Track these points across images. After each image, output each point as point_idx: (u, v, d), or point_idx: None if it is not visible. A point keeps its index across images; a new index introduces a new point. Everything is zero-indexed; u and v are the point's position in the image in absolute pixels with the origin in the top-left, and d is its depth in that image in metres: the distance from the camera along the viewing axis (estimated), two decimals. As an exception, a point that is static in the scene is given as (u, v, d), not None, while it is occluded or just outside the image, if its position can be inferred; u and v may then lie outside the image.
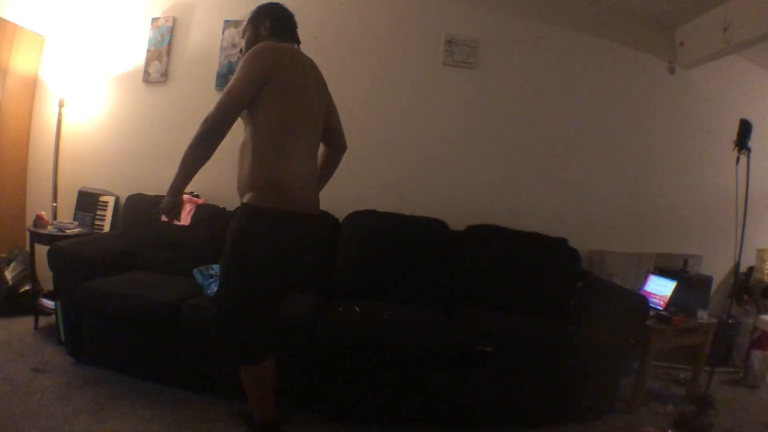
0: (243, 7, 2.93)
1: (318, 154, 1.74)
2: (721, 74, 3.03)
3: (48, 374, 2.11)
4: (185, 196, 2.71)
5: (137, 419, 1.85)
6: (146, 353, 2.16)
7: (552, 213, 2.94)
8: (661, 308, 2.45)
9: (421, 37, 2.91)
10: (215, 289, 2.21)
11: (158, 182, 2.89)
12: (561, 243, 2.70)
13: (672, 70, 3.02)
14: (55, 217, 2.95)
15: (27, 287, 2.79)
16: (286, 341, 1.89)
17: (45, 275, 2.51)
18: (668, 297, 2.47)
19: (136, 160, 3.00)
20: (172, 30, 2.98)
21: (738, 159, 2.25)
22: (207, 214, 2.68)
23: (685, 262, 2.80)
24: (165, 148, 2.99)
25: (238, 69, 1.48)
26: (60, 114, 2.97)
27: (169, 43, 2.97)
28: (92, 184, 3.02)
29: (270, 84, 1.47)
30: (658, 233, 3.08)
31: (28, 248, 2.77)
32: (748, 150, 2.23)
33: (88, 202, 2.96)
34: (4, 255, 2.87)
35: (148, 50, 2.99)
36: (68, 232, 2.63)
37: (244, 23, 1.69)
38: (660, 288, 2.55)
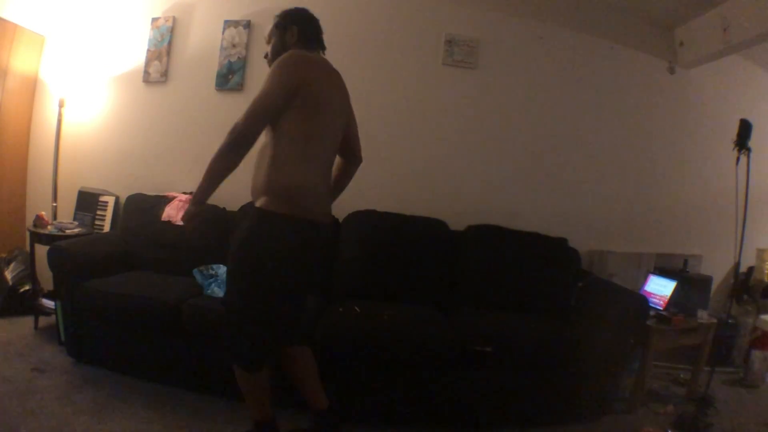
0: (243, 7, 2.94)
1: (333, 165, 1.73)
2: (721, 74, 3.03)
3: (48, 374, 2.11)
4: (185, 196, 2.73)
5: (137, 419, 1.85)
6: (146, 353, 2.16)
7: (552, 213, 2.94)
8: (661, 308, 2.45)
9: (421, 37, 2.91)
10: (215, 289, 2.23)
11: (158, 182, 2.92)
12: (561, 243, 2.70)
13: (672, 70, 3.02)
14: (55, 217, 2.95)
15: (27, 287, 2.79)
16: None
17: (45, 275, 2.51)
18: (668, 297, 2.47)
19: (136, 160, 3.00)
20: (172, 30, 2.98)
21: (738, 159, 2.25)
22: (207, 214, 2.66)
23: (685, 262, 2.80)
24: (165, 148, 3.00)
25: (267, 78, 1.46)
26: (60, 114, 2.97)
27: (169, 43, 2.97)
28: (92, 184, 3.02)
29: (298, 94, 1.46)
30: (658, 233, 3.08)
31: (28, 248, 2.77)
32: (748, 150, 2.24)
33: (88, 202, 2.96)
34: (4, 255, 2.87)
35: (148, 50, 2.99)
36: (68, 232, 2.63)
37: (270, 28, 1.66)
38: (660, 288, 2.55)
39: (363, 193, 2.81)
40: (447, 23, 2.91)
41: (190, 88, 2.98)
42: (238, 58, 2.92)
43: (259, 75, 2.93)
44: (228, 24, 2.94)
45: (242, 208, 2.67)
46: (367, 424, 1.99)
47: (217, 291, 2.22)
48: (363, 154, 1.84)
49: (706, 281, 2.76)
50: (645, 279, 2.68)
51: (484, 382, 2.05)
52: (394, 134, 2.91)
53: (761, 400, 2.61)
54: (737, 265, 2.45)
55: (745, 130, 2.25)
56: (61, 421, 1.75)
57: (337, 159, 1.76)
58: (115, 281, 2.26)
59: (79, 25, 3.05)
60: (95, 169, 3.04)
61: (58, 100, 2.95)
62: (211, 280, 2.31)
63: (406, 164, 2.93)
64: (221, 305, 1.57)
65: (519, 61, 2.95)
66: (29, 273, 2.77)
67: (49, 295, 2.66)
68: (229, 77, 2.93)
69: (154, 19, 2.99)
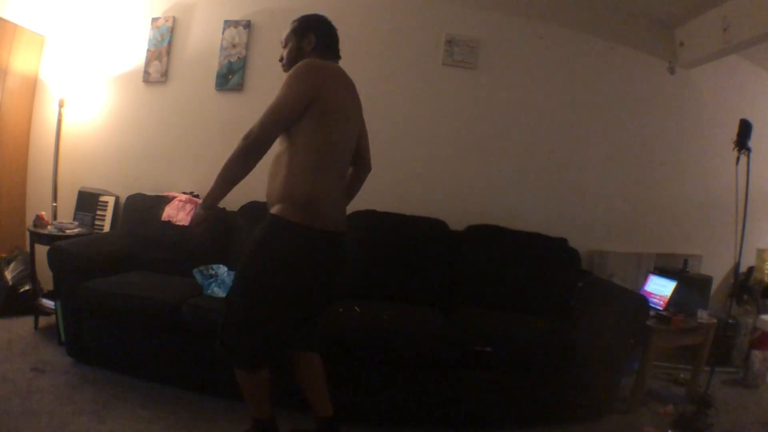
0: (243, 7, 2.94)
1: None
2: (721, 74, 3.03)
3: (48, 374, 2.11)
4: (185, 196, 2.73)
5: (137, 419, 1.85)
6: (146, 353, 2.16)
7: (552, 213, 2.94)
8: (661, 308, 2.44)
9: (421, 37, 2.92)
10: (215, 289, 2.23)
11: (158, 182, 2.92)
12: (561, 243, 2.70)
13: (672, 70, 3.02)
14: (55, 217, 2.94)
15: (27, 287, 2.79)
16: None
17: (45, 275, 2.51)
18: (668, 297, 2.47)
19: (136, 160, 3.01)
20: (172, 30, 2.98)
21: (738, 159, 2.25)
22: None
23: (685, 262, 2.80)
24: (165, 148, 3.00)
25: (284, 85, 1.46)
26: (60, 114, 2.97)
27: (169, 43, 2.97)
28: (92, 184, 3.02)
29: (316, 103, 1.46)
30: (658, 233, 3.08)
31: (28, 248, 2.77)
32: (748, 150, 2.24)
33: (88, 202, 2.97)
34: (4, 255, 2.87)
35: (148, 50, 2.99)
36: (68, 232, 2.63)
37: (287, 33, 1.66)
38: (660, 288, 2.55)
39: (363, 193, 2.79)
40: (447, 23, 2.91)
41: (190, 88, 2.98)
42: (238, 58, 2.92)
43: (259, 75, 2.94)
44: (228, 24, 2.94)
45: (242, 208, 2.68)
46: (367, 424, 1.99)
47: (217, 291, 2.22)
48: None
49: (706, 281, 2.76)
50: (645, 279, 2.68)
51: (484, 382, 2.05)
52: (394, 134, 2.91)
53: (761, 400, 2.61)
54: (737, 265, 2.45)
55: (745, 130, 2.25)
56: (61, 421, 1.75)
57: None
58: (115, 281, 2.26)
59: (79, 25, 3.05)
60: (95, 169, 3.04)
61: (58, 100, 2.95)
62: (211, 280, 2.31)
63: (406, 164, 2.93)
64: (224, 301, 1.57)
65: (519, 61, 2.95)
66: (29, 273, 2.77)
67: (49, 295, 2.66)
68: (229, 77, 2.93)
69: (154, 19, 2.99)
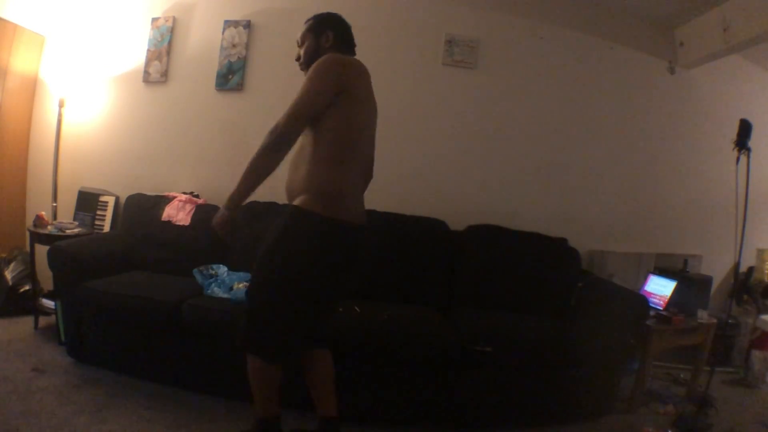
0: (243, 7, 2.94)
1: None
2: (721, 74, 3.03)
3: (48, 374, 2.10)
4: (185, 196, 2.73)
5: (137, 419, 1.84)
6: (146, 353, 2.16)
7: (552, 213, 2.94)
8: (661, 308, 2.45)
9: (421, 37, 2.92)
10: (215, 289, 2.23)
11: (158, 182, 2.92)
12: (561, 243, 2.71)
13: (672, 70, 3.02)
14: (55, 217, 2.95)
15: (27, 287, 2.79)
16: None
17: (45, 275, 2.51)
18: (668, 297, 2.47)
19: (136, 160, 3.01)
20: (172, 30, 2.98)
21: (738, 159, 2.25)
22: (207, 214, 2.68)
23: (685, 262, 2.79)
24: (165, 148, 3.00)
25: (308, 79, 1.45)
26: (60, 114, 2.97)
27: (169, 43, 2.97)
28: (92, 184, 3.02)
29: (340, 96, 1.46)
30: (658, 233, 3.08)
31: (28, 248, 2.77)
32: (748, 150, 2.23)
33: (88, 202, 2.97)
34: (4, 255, 2.87)
35: (148, 50, 2.99)
36: (68, 232, 2.63)
37: (303, 31, 1.65)
38: (660, 288, 2.55)
39: (363, 193, 2.81)
40: (447, 23, 2.91)
41: (190, 88, 2.98)
42: (238, 58, 2.92)
43: (259, 75, 2.94)
44: (228, 24, 2.94)
45: (242, 208, 2.67)
46: (367, 424, 1.99)
47: (217, 291, 2.22)
48: None
49: (706, 281, 2.76)
50: (645, 279, 2.68)
51: (484, 382, 2.05)
52: (394, 134, 2.90)
53: (761, 400, 2.61)
54: (737, 265, 2.45)
55: (745, 130, 2.25)
56: (61, 421, 1.75)
57: None
58: (115, 281, 2.26)
59: (79, 25, 3.05)
60: (95, 169, 3.04)
61: (58, 100, 2.95)
62: (211, 280, 2.31)
63: (406, 164, 2.93)
64: (245, 296, 1.55)
65: (519, 61, 2.95)
66: (29, 273, 2.77)
67: (49, 295, 2.67)
68: (229, 77, 2.93)
69: (154, 19, 2.99)
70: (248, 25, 2.92)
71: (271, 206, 2.60)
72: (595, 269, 2.87)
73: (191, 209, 2.68)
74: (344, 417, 1.78)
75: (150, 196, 2.77)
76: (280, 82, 2.92)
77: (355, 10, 2.90)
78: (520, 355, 2.06)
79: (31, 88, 3.07)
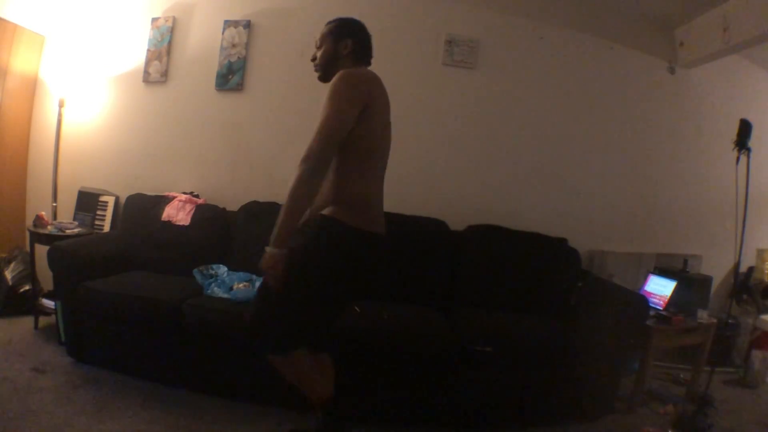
0: (243, 7, 2.94)
1: None
2: (721, 74, 3.03)
3: (48, 374, 2.10)
4: (185, 196, 2.73)
5: (137, 419, 1.85)
6: (146, 353, 2.16)
7: (552, 213, 2.94)
8: (661, 308, 2.44)
9: (421, 37, 2.91)
10: (215, 289, 2.23)
11: (158, 182, 2.92)
12: (561, 243, 2.70)
13: (672, 70, 3.02)
14: (55, 217, 2.94)
15: (27, 287, 2.78)
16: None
17: (45, 275, 2.51)
18: (668, 297, 2.47)
19: (136, 160, 3.00)
20: (172, 30, 2.98)
21: (738, 159, 2.25)
22: (207, 214, 2.69)
23: (685, 262, 2.79)
24: (165, 148, 3.00)
25: (332, 99, 1.43)
26: (60, 114, 2.97)
27: (169, 43, 2.97)
28: (92, 184, 3.02)
29: (364, 112, 1.46)
30: (658, 233, 3.08)
31: (28, 248, 2.77)
32: (748, 150, 2.23)
33: (88, 202, 2.97)
34: (4, 255, 2.87)
35: (148, 50, 2.99)
36: (68, 232, 2.63)
37: (323, 33, 1.65)
38: (660, 288, 2.55)
39: (363, 193, 2.81)
40: (447, 23, 2.90)
41: (190, 88, 2.98)
42: (238, 58, 2.92)
43: (259, 75, 2.94)
44: (228, 24, 2.94)
45: (242, 208, 2.68)
46: (366, 424, 1.99)
47: (217, 291, 2.22)
48: None
49: (706, 281, 2.76)
50: (645, 279, 2.68)
51: (484, 382, 2.05)
52: (394, 134, 2.86)
53: (761, 400, 2.61)
54: (737, 265, 2.45)
55: (745, 130, 2.25)
56: (61, 421, 1.75)
57: None
58: (115, 281, 2.26)
59: (79, 25, 3.05)
60: (95, 169, 3.04)
61: (58, 100, 2.95)
62: (211, 280, 2.31)
63: (406, 164, 2.92)
64: (257, 293, 1.56)
65: (519, 61, 2.94)
66: (29, 273, 2.77)
67: (49, 295, 2.66)
68: (229, 77, 2.93)
69: (154, 19, 2.99)
70: (248, 25, 2.92)
71: (271, 206, 2.60)
72: (595, 269, 2.87)
73: (191, 209, 2.68)
74: (344, 417, 1.78)
75: (150, 196, 2.77)
76: (280, 82, 2.92)
77: (355, 11, 2.91)
78: (520, 355, 2.06)
79: (31, 88, 3.07)
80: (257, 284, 2.25)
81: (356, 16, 1.78)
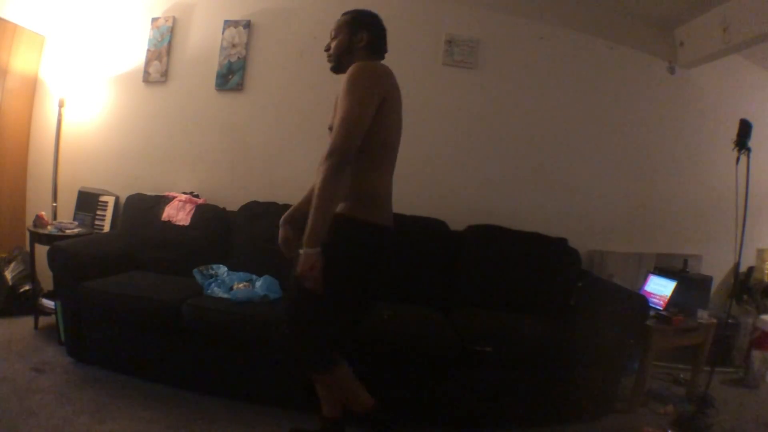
0: (243, 7, 2.94)
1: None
2: (721, 74, 3.03)
3: (48, 374, 2.10)
4: (185, 196, 2.73)
5: (137, 419, 1.84)
6: (146, 353, 2.16)
7: (552, 213, 2.94)
8: (661, 308, 2.44)
9: (421, 37, 2.91)
10: (215, 289, 2.23)
11: (158, 182, 2.92)
12: (561, 243, 2.70)
13: (672, 70, 3.02)
14: (55, 217, 2.94)
15: (27, 287, 2.79)
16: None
17: (45, 275, 2.51)
18: (668, 297, 2.47)
19: (136, 160, 3.01)
20: (172, 30, 2.98)
21: (738, 159, 2.25)
22: (207, 214, 2.69)
23: (685, 262, 2.80)
24: (165, 148, 3.00)
25: (351, 93, 1.41)
26: (60, 114, 2.97)
27: (169, 43, 2.97)
28: (92, 184, 3.02)
29: (382, 106, 1.47)
30: (658, 233, 3.08)
31: (28, 248, 2.77)
32: (748, 150, 2.24)
33: (88, 202, 2.97)
34: (4, 255, 2.87)
35: (148, 50, 2.99)
36: (68, 232, 2.63)
37: (339, 23, 1.63)
38: (660, 288, 2.55)
39: (363, 193, 2.81)
40: (447, 23, 2.91)
41: (189, 88, 2.98)
42: (238, 58, 2.92)
43: (259, 75, 2.94)
44: (228, 24, 2.94)
45: (242, 208, 2.68)
46: (367, 423, 1.98)
47: (217, 291, 2.22)
48: None
49: (706, 281, 2.76)
50: (645, 279, 2.68)
51: (484, 382, 2.05)
52: (394, 134, 2.91)
53: (761, 400, 2.61)
54: (737, 265, 2.45)
55: (745, 130, 2.25)
56: (61, 421, 1.75)
57: None
58: (115, 281, 2.26)
59: (79, 25, 3.05)
60: (95, 169, 3.04)
61: (58, 100, 2.95)
62: (211, 280, 2.31)
63: (406, 164, 2.89)
64: (284, 317, 1.54)
65: (519, 61, 2.95)
66: (29, 273, 2.77)
67: (49, 295, 2.66)
68: (229, 77, 2.93)
69: (154, 19, 2.99)
70: (248, 25, 2.92)
71: (271, 206, 2.60)
72: (595, 269, 2.87)
73: (191, 209, 2.68)
74: (344, 417, 1.78)
75: (150, 196, 2.77)
76: (280, 82, 2.92)
77: (355, 10, 2.92)
78: (520, 355, 2.06)
79: (31, 88, 3.07)
80: (257, 284, 2.26)
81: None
